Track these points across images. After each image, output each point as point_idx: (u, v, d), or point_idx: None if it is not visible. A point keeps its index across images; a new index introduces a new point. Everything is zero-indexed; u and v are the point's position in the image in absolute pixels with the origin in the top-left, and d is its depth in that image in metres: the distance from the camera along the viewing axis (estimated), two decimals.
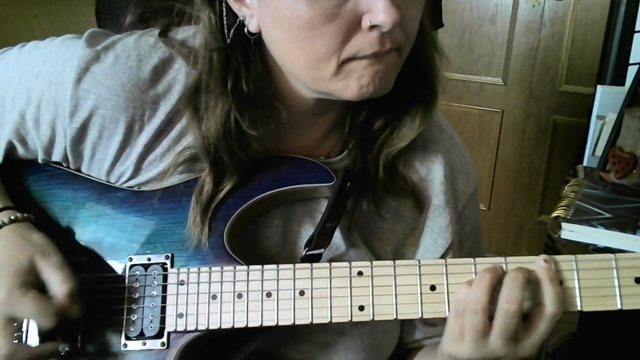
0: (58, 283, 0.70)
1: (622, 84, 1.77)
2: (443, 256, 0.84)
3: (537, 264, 0.69)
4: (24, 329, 0.74)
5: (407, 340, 0.90)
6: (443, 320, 0.86)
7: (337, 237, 0.80)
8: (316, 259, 0.76)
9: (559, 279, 0.68)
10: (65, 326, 0.72)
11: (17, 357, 0.69)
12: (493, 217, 3.02)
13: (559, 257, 0.70)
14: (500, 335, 0.67)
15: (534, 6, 2.74)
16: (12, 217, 0.74)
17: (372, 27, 0.64)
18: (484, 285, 0.67)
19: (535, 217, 2.98)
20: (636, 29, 1.79)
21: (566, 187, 1.41)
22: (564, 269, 0.70)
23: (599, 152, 1.59)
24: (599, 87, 1.71)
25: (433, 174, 0.84)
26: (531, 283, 0.68)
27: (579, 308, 0.69)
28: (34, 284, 0.70)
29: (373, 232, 0.83)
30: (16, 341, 0.70)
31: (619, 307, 0.69)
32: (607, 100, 1.66)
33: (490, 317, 0.67)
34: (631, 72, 1.76)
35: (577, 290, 0.69)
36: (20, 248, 0.71)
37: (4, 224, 0.73)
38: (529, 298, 0.68)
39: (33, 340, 0.73)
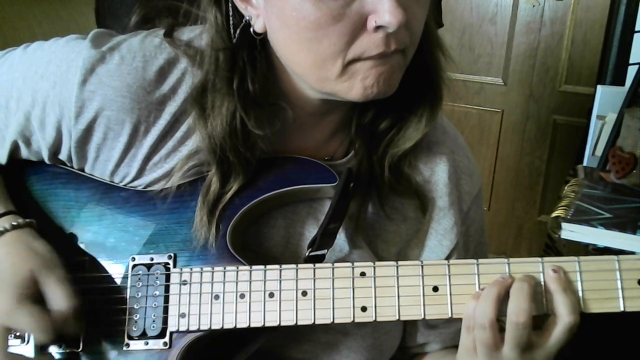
0: (60, 300, 0.69)
1: (622, 84, 1.77)
2: (448, 257, 0.84)
3: (547, 274, 0.68)
4: (26, 337, 0.73)
5: (411, 344, 0.90)
6: (444, 323, 0.87)
7: (341, 238, 0.80)
8: (319, 260, 0.76)
9: (573, 288, 0.68)
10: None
11: None
12: (493, 217, 3.02)
13: (560, 259, 0.69)
14: (513, 346, 0.66)
15: (534, 6, 2.74)
16: (14, 223, 0.73)
17: (378, 27, 0.64)
18: (490, 300, 0.66)
19: (535, 217, 2.98)
20: (636, 29, 1.79)
21: (566, 187, 1.40)
22: (566, 271, 0.69)
23: (599, 152, 1.58)
24: (599, 87, 1.71)
25: (437, 175, 0.84)
26: (539, 291, 0.68)
27: (581, 310, 0.68)
28: (34, 296, 0.68)
29: (377, 234, 0.83)
30: (10, 351, 0.68)
31: (621, 309, 0.68)
32: (607, 100, 1.66)
33: (501, 328, 0.67)
34: (631, 72, 1.75)
35: (579, 292, 0.69)
36: (23, 257, 0.70)
37: (6, 230, 0.72)
38: (538, 306, 0.67)
39: (29, 349, 0.72)
